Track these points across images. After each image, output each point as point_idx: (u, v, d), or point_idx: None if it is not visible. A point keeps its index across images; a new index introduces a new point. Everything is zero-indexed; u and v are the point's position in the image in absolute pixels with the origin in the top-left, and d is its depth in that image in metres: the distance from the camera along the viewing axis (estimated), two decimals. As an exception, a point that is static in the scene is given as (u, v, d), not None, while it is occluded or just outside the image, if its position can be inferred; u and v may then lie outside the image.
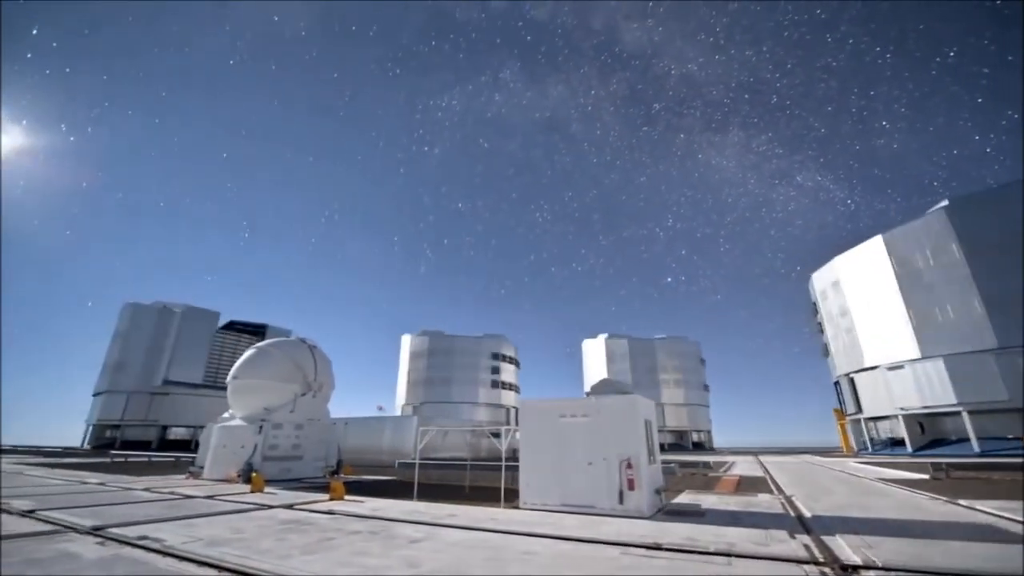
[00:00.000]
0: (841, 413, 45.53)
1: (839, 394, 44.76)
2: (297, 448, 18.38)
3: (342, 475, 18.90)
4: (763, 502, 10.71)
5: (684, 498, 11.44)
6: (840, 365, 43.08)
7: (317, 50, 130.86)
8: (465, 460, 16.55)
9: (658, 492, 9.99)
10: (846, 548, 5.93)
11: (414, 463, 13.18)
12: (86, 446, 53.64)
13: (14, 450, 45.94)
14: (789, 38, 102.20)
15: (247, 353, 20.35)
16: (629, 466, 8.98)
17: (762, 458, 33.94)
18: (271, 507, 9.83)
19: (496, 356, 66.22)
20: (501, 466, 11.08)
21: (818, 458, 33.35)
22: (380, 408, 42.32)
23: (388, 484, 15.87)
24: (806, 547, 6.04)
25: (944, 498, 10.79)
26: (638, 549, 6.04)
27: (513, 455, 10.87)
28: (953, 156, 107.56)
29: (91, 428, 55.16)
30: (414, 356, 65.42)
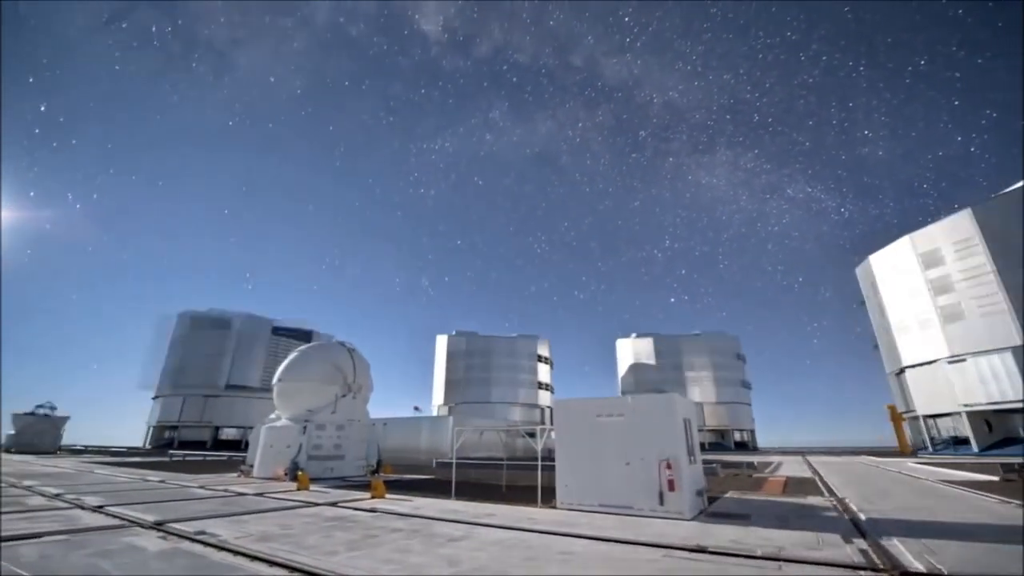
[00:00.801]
0: (896, 410, 42.89)
1: (903, 390, 42.12)
2: (339, 448, 18.98)
3: (382, 474, 19.38)
4: (813, 504, 10.23)
5: (728, 500, 11.08)
6: (894, 359, 40.61)
7: (312, 106, 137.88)
8: (501, 460, 16.64)
9: (700, 493, 9.72)
10: (907, 554, 5.58)
11: (451, 462, 13.36)
12: (147, 446, 57.29)
13: (85, 450, 49.63)
14: (764, 60, 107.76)
15: (290, 357, 21.20)
16: (669, 466, 8.78)
17: (810, 458, 32.41)
18: (316, 504, 10.20)
19: (531, 356, 66.22)
20: (537, 466, 11.07)
21: (871, 458, 31.55)
22: (416, 409, 43.15)
23: (426, 483, 16.15)
24: (862, 552, 5.73)
25: (1016, 501, 9.97)
26: (680, 551, 5.90)
27: (549, 455, 10.84)
28: (939, 157, 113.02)
29: (151, 429, 58.86)
30: (450, 356, 66.23)
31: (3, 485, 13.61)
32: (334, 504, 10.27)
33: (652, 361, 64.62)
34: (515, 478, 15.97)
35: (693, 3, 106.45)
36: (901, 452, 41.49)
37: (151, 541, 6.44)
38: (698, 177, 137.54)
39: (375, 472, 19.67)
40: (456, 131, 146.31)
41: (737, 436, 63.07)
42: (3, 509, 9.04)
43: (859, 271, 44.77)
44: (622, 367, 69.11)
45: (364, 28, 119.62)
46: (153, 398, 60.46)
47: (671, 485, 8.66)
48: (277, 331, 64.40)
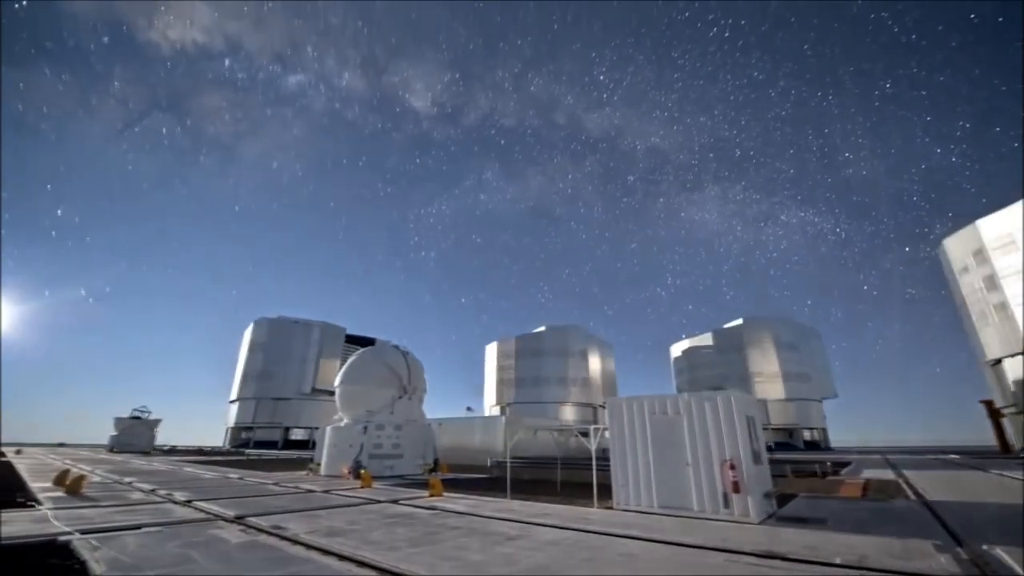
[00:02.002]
0: (995, 406, 38.38)
1: (1001, 382, 37.69)
2: (398, 447, 19.66)
3: (439, 473, 19.87)
4: (897, 509, 9.38)
5: (799, 503, 10.40)
6: (991, 348, 36.38)
7: (313, 185, 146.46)
8: (555, 459, 16.57)
9: (768, 496, 9.18)
10: (1016, 566, 4.98)
11: (505, 462, 13.45)
12: (226, 446, 62.13)
13: (174, 449, 54.61)
14: (735, 100, 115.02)
15: (349, 361, 22.24)
16: (732, 467, 8.36)
17: (892, 458, 29.76)
18: (379, 502, 10.61)
19: (584, 355, 65.51)
20: (592, 465, 10.91)
21: (964, 458, 28.48)
22: (469, 409, 43.87)
23: (481, 482, 16.37)
24: (959, 562, 5.18)
25: None
26: (748, 557, 5.60)
27: (603, 454, 10.65)
28: (922, 170, 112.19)
29: (229, 430, 63.76)
30: (501, 357, 66.86)
31: (108, 481, 15.23)
32: (395, 501, 10.65)
33: (709, 359, 61.99)
34: (569, 477, 15.84)
35: (661, 57, 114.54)
36: (1003, 452, 37.10)
37: (233, 534, 6.96)
38: (690, 214, 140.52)
39: (432, 471, 20.20)
40: (452, 194, 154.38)
41: (807, 435, 59.08)
42: (110, 503, 10.12)
43: (950, 246, 40.11)
44: (677, 369, 66.96)
45: (359, 110, 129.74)
46: (230, 402, 65.47)
47: (735, 487, 8.25)
48: (349, 339, 68.37)
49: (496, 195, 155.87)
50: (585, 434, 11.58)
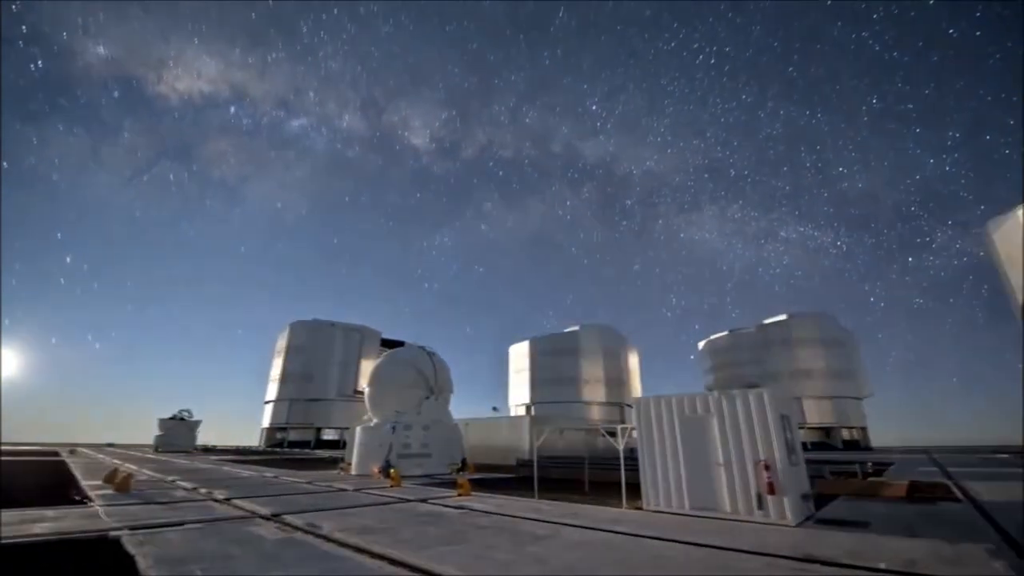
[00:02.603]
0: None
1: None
2: (426, 447, 19.90)
3: (467, 473, 20.01)
4: (946, 511, 8.90)
5: (839, 505, 10.00)
6: (1046, 343, 34.11)
7: (317, 224, 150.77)
8: (582, 458, 16.44)
9: (806, 497, 8.86)
10: (1082, 575, 4.65)
11: (532, 461, 13.44)
12: (261, 445, 64.22)
13: (213, 449, 56.83)
14: (726, 122, 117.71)
15: (377, 362, 22.65)
16: (767, 467, 8.11)
17: (939, 457, 28.28)
18: (408, 501, 10.76)
19: (610, 354, 64.83)
20: (620, 465, 10.77)
21: (1014, 457, 26.79)
22: (495, 409, 44.01)
23: (508, 481, 16.40)
24: (1015, 568, 4.87)
25: None
26: (786, 561, 5.42)
27: (631, 454, 10.50)
28: (917, 180, 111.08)
29: (264, 431, 65.89)
30: (526, 357, 66.84)
31: (154, 479, 15.96)
32: (424, 500, 10.77)
33: (738, 357, 60.34)
34: (597, 477, 15.69)
35: (651, 85, 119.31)
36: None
37: (269, 531, 7.18)
38: (690, 234, 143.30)
39: (460, 470, 20.36)
40: (452, 226, 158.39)
41: (845, 434, 56.79)
42: (154, 500, 10.60)
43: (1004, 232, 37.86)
44: (706, 366, 65.47)
45: (359, 149, 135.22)
46: (265, 403, 67.66)
47: (771, 488, 8.00)
48: (384, 342, 69.86)
49: (496, 225, 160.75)
50: (612, 433, 11.46)
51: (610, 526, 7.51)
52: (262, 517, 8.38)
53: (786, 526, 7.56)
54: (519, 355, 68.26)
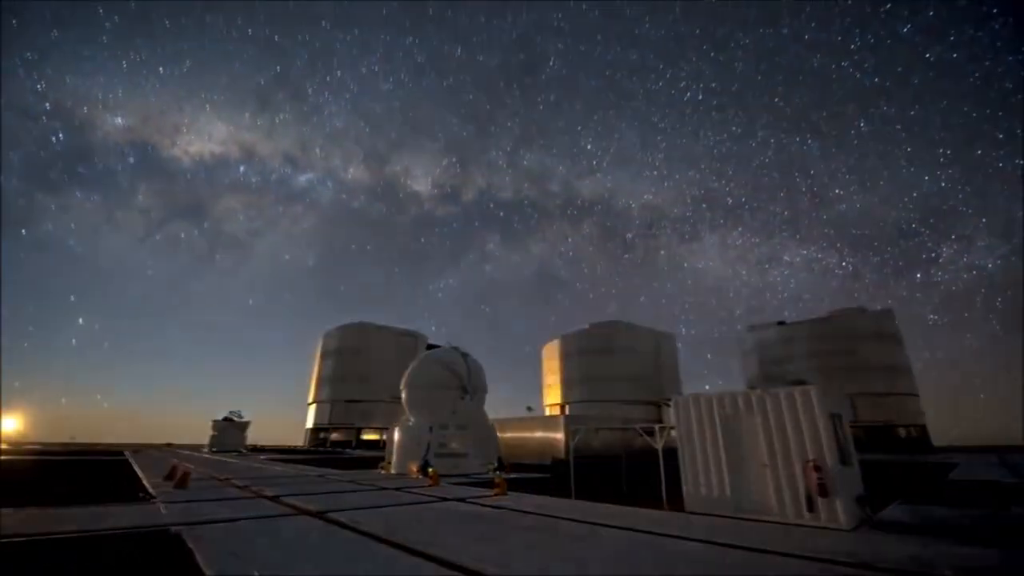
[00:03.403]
0: None
1: None
2: (462, 447, 20.14)
3: (503, 472, 20.10)
4: (1020, 516, 8.22)
5: (898, 509, 9.42)
6: None
7: (324, 273, 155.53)
8: (620, 458, 16.20)
9: (860, 500, 8.39)
10: None
11: (568, 461, 13.35)
12: (305, 446, 66.76)
13: (262, 449, 59.53)
14: (719, 153, 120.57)
15: (413, 364, 23.10)
16: (817, 468, 7.73)
17: (1012, 458, 26.12)
18: (447, 500, 10.91)
19: (646, 351, 63.60)
20: (659, 465, 10.54)
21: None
22: (529, 409, 43.97)
23: (544, 481, 16.35)
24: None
25: None
26: (841, 567, 5.14)
27: (670, 453, 10.24)
28: (915, 197, 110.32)
29: (308, 431, 68.47)
30: (563, 357, 66.52)
31: (209, 477, 16.86)
32: (462, 500, 10.89)
33: (783, 352, 57.76)
34: (636, 477, 15.41)
35: (642, 123, 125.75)
36: None
37: (316, 527, 7.44)
38: (693, 263, 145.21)
39: (497, 470, 20.47)
40: (457, 268, 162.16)
41: (902, 432, 53.38)
42: (205, 497, 11.20)
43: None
44: (747, 361, 62.99)
45: (364, 199, 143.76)
46: (308, 404, 70.32)
47: (821, 490, 7.62)
48: (430, 347, 71.53)
49: (500, 265, 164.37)
50: (650, 433, 11.23)
51: (651, 527, 7.35)
52: (309, 514, 8.70)
53: (839, 530, 7.19)
54: (552, 354, 67.98)
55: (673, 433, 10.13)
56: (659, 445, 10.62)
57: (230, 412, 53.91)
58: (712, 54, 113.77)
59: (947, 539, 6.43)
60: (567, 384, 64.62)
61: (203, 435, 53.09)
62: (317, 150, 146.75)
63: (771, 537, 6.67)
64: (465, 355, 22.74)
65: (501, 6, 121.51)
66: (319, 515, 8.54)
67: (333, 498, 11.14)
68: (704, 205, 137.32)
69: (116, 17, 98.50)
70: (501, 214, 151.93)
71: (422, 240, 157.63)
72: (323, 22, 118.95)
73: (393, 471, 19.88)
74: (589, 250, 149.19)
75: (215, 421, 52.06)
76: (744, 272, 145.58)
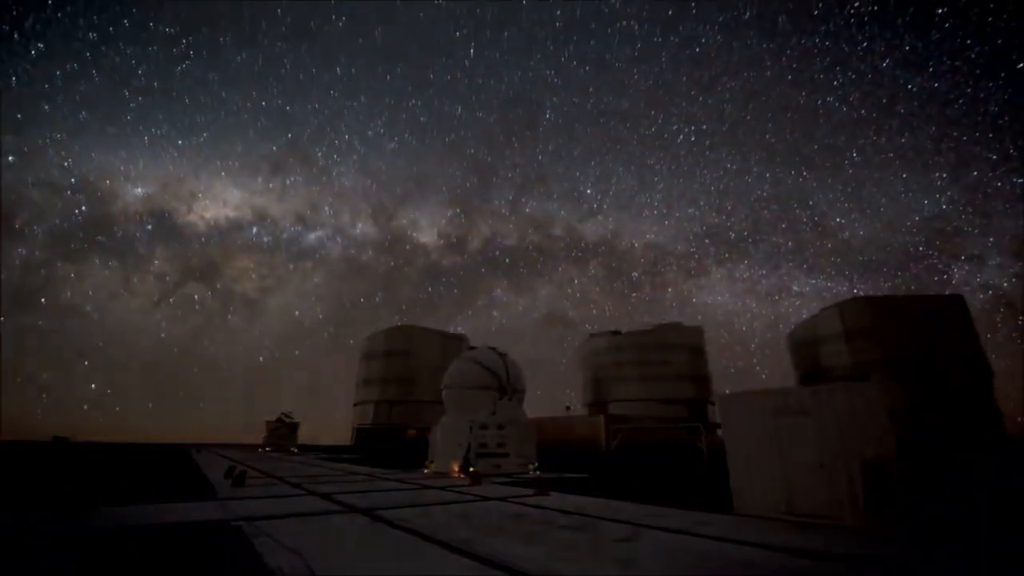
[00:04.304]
0: None
1: None
2: (502, 446, 20.30)
3: (541, 473, 20.10)
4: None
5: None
6: None
7: (333, 326, 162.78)
8: (662, 457, 15.87)
9: (925, 501, 7.87)
10: None
11: (608, 460, 13.22)
12: (352, 444, 69.28)
13: (310, 448, 62.25)
14: (716, 190, 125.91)
15: (452, 365, 23.51)
16: (872, 469, 7.31)
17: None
18: (488, 499, 11.05)
19: (686, 349, 61.95)
20: (702, 465, 10.26)
21: None
22: (568, 408, 43.75)
23: (585, 481, 16.23)
24: None
25: None
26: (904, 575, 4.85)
27: (715, 451, 9.95)
28: (917, 221, 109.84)
29: (354, 431, 71.00)
30: (599, 353, 65.86)
31: (265, 475, 17.82)
32: (504, 499, 10.99)
33: (834, 346, 54.60)
34: (679, 477, 15.07)
35: (639, 166, 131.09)
36: None
37: (365, 524, 7.74)
38: (702, 298, 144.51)
39: (537, 469, 20.50)
40: (465, 315, 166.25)
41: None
42: (262, 494, 11.84)
43: None
44: (796, 358, 60.03)
45: (372, 253, 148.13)
46: (354, 405, 72.97)
47: (879, 492, 7.20)
48: (470, 348, 72.71)
49: (507, 309, 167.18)
50: (694, 432, 10.95)
51: (697, 529, 7.18)
52: (359, 511, 9.04)
53: (898, 535, 6.76)
54: (593, 352, 67.25)
55: (718, 432, 9.83)
56: (704, 444, 10.34)
57: (282, 413, 56.64)
58: (700, 98, 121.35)
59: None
60: (606, 382, 63.84)
61: (258, 436, 56.09)
62: (326, 208, 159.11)
63: (826, 541, 6.37)
64: (503, 355, 22.91)
65: (497, 69, 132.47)
66: (367, 512, 8.86)
67: (380, 496, 11.52)
68: (707, 240, 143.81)
69: (140, 98, 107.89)
70: (507, 260, 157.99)
71: (429, 290, 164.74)
72: (332, 91, 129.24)
73: (435, 470, 20.30)
74: (596, 291, 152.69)
75: (268, 422, 54.86)
76: (754, 305, 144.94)
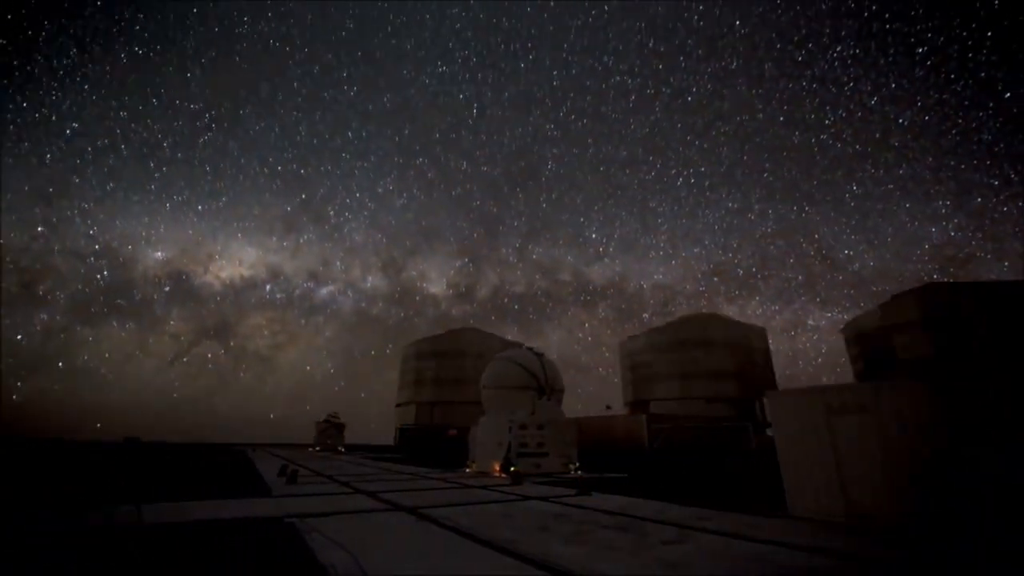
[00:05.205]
0: None
1: None
2: (542, 446, 20.25)
3: (582, 472, 19.89)
4: None
5: None
6: None
7: (343, 379, 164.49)
8: (708, 457, 15.35)
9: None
10: None
11: (650, 460, 12.92)
12: (395, 444, 71.15)
13: (356, 448, 64.45)
14: (720, 228, 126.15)
15: (489, 365, 23.69)
16: (941, 471, 6.78)
17: None
18: (529, 498, 11.05)
19: (729, 344, 59.75)
20: (752, 464, 9.84)
21: None
22: (608, 408, 43.12)
23: (626, 480, 15.94)
24: None
25: None
26: (985, 584, 4.47)
27: (764, 449, 9.52)
28: (927, 249, 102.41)
29: (397, 431, 72.92)
30: (640, 352, 64.62)
31: (315, 474, 18.57)
32: (545, 499, 10.96)
33: (912, 340, 51.02)
34: (726, 477, 14.52)
35: (641, 209, 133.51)
36: None
37: (411, 522, 7.92)
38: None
39: (578, 469, 20.32)
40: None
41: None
42: (313, 492, 12.34)
43: None
44: (854, 349, 56.55)
45: (382, 305, 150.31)
46: (396, 406, 74.98)
47: (945, 494, 6.67)
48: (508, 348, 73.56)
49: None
50: (742, 431, 10.53)
51: (749, 533, 6.90)
52: (404, 509, 9.26)
53: (981, 542, 6.24)
54: (634, 349, 66.05)
55: (768, 431, 9.40)
56: (752, 444, 9.91)
57: (329, 415, 58.92)
58: (696, 143, 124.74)
59: None
60: (650, 380, 62.47)
61: (309, 436, 58.62)
62: (338, 263, 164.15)
63: (887, 545, 5.96)
64: (540, 355, 22.87)
65: (499, 125, 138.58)
66: (413, 511, 9.06)
67: (424, 495, 11.75)
68: (715, 279, 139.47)
69: (164, 168, 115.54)
70: (516, 307, 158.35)
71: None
72: (344, 153, 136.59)
73: (476, 470, 20.51)
74: (607, 333, 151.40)
75: (317, 423, 57.23)
76: (771, 341, 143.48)
